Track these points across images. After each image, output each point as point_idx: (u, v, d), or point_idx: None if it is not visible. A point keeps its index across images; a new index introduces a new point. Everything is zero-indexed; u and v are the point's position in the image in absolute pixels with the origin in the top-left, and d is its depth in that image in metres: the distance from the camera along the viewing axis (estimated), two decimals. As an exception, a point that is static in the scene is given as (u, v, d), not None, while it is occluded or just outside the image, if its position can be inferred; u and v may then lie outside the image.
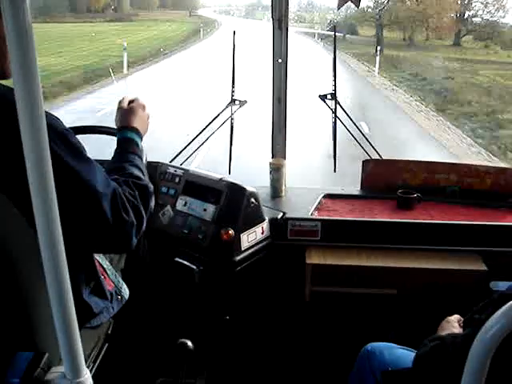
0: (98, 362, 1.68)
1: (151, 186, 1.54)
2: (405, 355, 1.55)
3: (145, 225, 1.43)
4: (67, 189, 1.16)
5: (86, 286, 1.51)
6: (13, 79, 0.64)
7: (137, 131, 1.65)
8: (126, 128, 1.65)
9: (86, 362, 0.91)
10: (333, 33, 2.79)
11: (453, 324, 1.55)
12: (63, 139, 1.23)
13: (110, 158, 1.58)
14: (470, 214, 2.27)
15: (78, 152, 1.26)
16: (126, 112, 1.68)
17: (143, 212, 1.41)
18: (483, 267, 2.02)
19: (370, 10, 28.62)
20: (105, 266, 1.67)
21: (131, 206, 1.37)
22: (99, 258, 1.65)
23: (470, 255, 2.08)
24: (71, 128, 1.34)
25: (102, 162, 1.40)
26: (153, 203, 1.54)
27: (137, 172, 1.52)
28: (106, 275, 1.65)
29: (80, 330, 0.84)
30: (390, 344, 1.67)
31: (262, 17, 44.96)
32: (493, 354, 0.87)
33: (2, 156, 1.13)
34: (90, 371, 0.93)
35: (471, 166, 2.44)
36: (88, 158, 1.29)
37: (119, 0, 43.47)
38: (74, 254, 1.30)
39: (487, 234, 2.12)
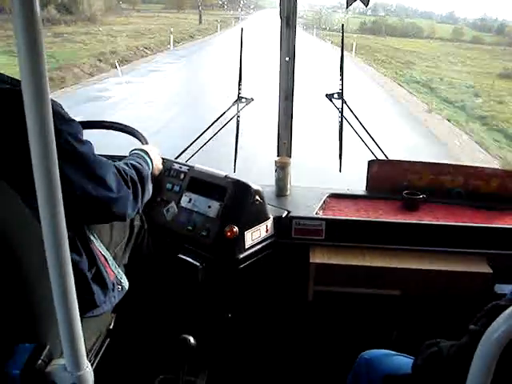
0: (100, 356, 1.68)
1: (148, 172, 1.80)
2: (403, 362, 1.54)
3: (141, 203, 1.68)
4: (76, 167, 1.36)
5: (87, 272, 1.55)
6: (19, 68, 0.64)
7: (147, 154, 1.93)
8: (137, 149, 1.96)
9: (87, 355, 0.91)
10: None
11: None
12: (68, 124, 1.35)
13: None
14: (476, 215, 2.26)
15: (80, 134, 1.40)
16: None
17: (139, 188, 1.65)
18: (488, 269, 2.01)
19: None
20: (107, 257, 1.69)
21: (131, 181, 1.60)
22: (101, 248, 1.67)
23: (474, 257, 2.07)
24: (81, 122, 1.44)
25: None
26: (150, 186, 1.79)
27: (135, 162, 1.78)
28: (107, 265, 1.67)
29: (82, 319, 0.83)
30: (387, 351, 1.66)
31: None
32: (498, 357, 0.87)
33: (8, 144, 1.19)
34: (91, 365, 0.93)
35: (477, 168, 2.43)
36: (87, 140, 1.43)
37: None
38: (74, 239, 1.42)
39: (492, 237, 2.11)
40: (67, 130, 1.33)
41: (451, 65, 23.22)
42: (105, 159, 1.50)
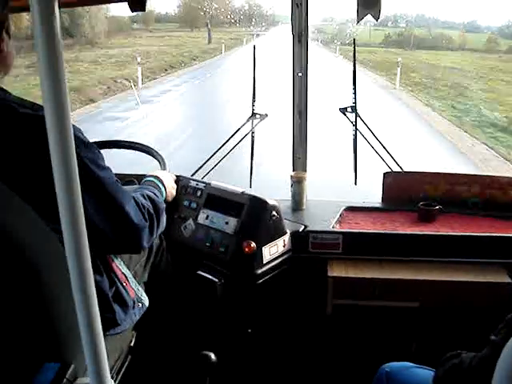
0: (122, 373, 1.70)
1: (164, 205, 1.76)
2: (423, 374, 1.53)
3: (155, 235, 1.65)
4: (92, 195, 1.34)
5: (108, 291, 1.57)
6: (42, 94, 0.66)
7: (161, 182, 1.94)
8: (151, 176, 1.96)
9: (110, 373, 0.92)
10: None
11: None
12: (88, 149, 1.35)
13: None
14: (493, 225, 2.25)
15: (101, 160, 1.40)
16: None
17: (155, 221, 1.62)
18: (507, 279, 1.99)
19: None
20: (127, 275, 1.71)
21: (147, 213, 1.57)
22: (121, 267, 1.69)
23: (493, 268, 2.06)
24: (96, 142, 1.44)
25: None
26: (164, 219, 1.75)
27: (151, 192, 1.76)
28: (127, 283, 1.69)
29: (104, 337, 0.85)
30: (407, 363, 1.65)
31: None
32: None
33: (31, 168, 1.22)
34: (114, 383, 0.94)
35: (493, 178, 2.42)
36: (107, 167, 1.42)
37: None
38: (94, 259, 1.42)
39: (510, 246, 2.10)
40: (87, 156, 1.33)
41: (508, 85, 18.95)
42: (125, 189, 1.49)
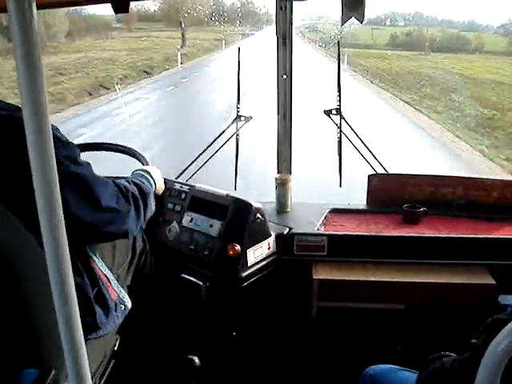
0: (105, 378, 1.68)
1: (151, 190, 1.82)
2: (408, 377, 1.53)
3: (143, 219, 1.68)
4: (72, 190, 1.35)
5: (89, 293, 1.55)
6: (20, 95, 0.65)
7: (149, 174, 1.95)
8: (139, 169, 1.97)
9: (92, 378, 0.91)
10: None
11: None
12: (65, 147, 1.37)
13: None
14: (477, 227, 2.26)
15: (78, 157, 1.41)
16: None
17: (141, 203, 1.65)
18: (491, 281, 2.01)
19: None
20: (109, 277, 1.69)
21: (132, 197, 1.60)
22: (103, 269, 1.67)
23: (477, 269, 2.07)
24: (79, 145, 1.44)
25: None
26: (153, 203, 1.80)
27: (136, 179, 1.79)
28: (109, 284, 1.67)
29: (86, 342, 0.84)
30: (392, 366, 1.66)
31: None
32: (502, 371, 0.87)
33: (8, 171, 1.20)
34: None
35: (477, 180, 2.43)
36: (85, 161, 1.43)
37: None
38: (75, 261, 1.40)
39: (495, 248, 2.11)
40: (64, 153, 1.34)
41: None
42: (103, 178, 1.50)
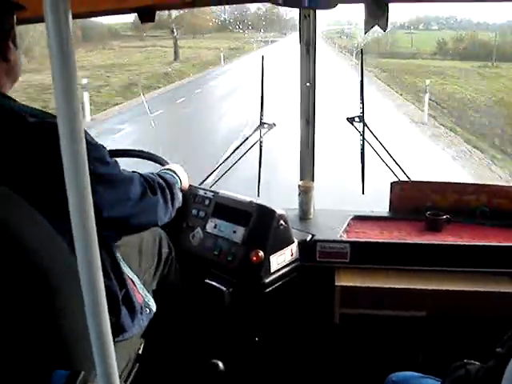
0: (130, 381, 1.70)
1: (177, 182, 1.92)
2: None
3: (172, 208, 1.75)
4: (96, 187, 1.35)
5: (117, 295, 1.58)
6: (55, 101, 0.68)
7: (174, 172, 2.00)
8: (164, 168, 2.05)
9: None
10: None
11: None
12: (95, 149, 1.41)
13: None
14: (501, 235, 2.25)
15: (107, 157, 1.45)
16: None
17: (168, 193, 1.72)
18: None
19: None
20: (135, 280, 1.72)
21: (159, 188, 1.66)
22: (128, 272, 1.71)
23: (500, 277, 2.05)
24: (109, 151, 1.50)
25: None
26: (180, 195, 1.88)
27: (162, 173, 1.87)
28: (135, 288, 1.70)
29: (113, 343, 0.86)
30: (414, 373, 1.65)
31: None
32: None
33: (41, 175, 1.24)
34: None
35: (501, 187, 2.42)
36: (112, 160, 1.48)
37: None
38: (104, 263, 1.45)
39: None
40: (94, 155, 1.38)
41: None
42: (129, 172, 1.56)
